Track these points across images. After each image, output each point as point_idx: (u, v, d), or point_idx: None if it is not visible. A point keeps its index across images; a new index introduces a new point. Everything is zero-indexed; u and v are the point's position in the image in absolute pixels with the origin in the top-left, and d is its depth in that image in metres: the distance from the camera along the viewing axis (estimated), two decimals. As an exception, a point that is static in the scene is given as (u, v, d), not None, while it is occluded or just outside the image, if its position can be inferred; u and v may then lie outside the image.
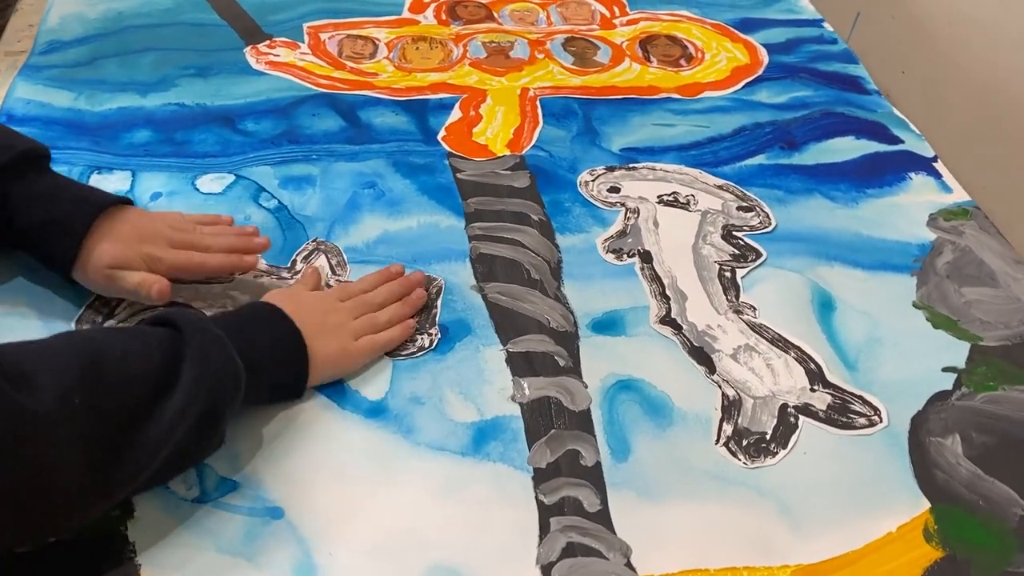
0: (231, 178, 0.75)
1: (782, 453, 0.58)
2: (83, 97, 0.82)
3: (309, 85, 0.87)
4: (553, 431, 0.58)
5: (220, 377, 0.51)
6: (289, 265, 0.68)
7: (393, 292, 0.65)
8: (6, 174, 0.61)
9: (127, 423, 0.46)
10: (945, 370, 0.64)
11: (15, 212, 0.61)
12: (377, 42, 0.94)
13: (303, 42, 0.93)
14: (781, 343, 0.65)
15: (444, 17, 1.00)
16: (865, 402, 0.62)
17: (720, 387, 0.62)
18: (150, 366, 0.48)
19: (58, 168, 0.72)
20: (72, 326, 0.61)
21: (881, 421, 0.61)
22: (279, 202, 0.74)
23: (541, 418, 0.59)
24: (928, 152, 0.86)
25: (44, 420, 0.43)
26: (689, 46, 0.99)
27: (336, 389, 0.60)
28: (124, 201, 0.64)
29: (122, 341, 0.49)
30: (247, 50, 0.91)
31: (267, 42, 0.92)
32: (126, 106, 0.82)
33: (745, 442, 0.59)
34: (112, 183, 0.73)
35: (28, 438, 0.42)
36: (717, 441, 0.59)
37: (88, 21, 0.92)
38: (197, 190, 0.74)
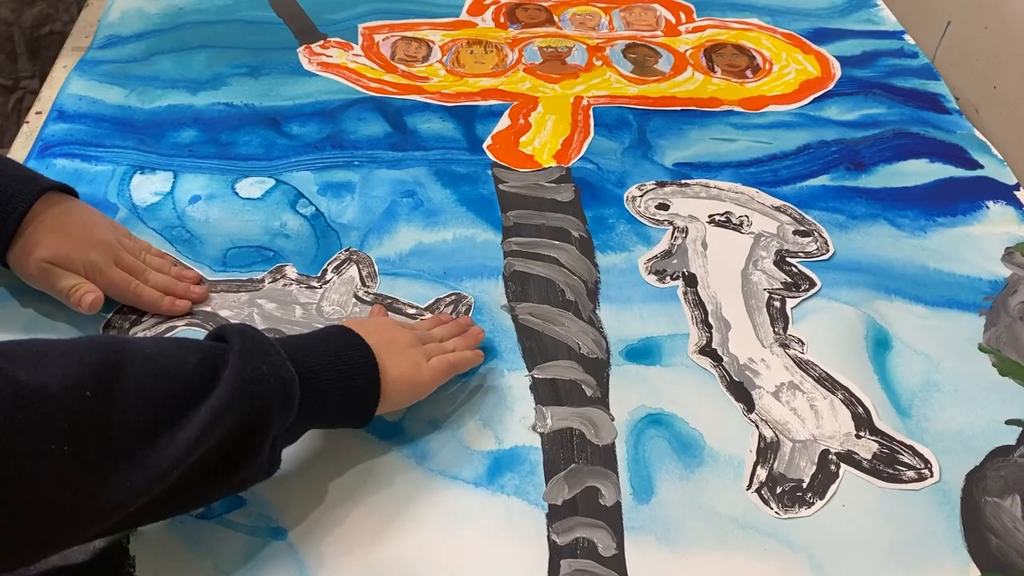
0: (271, 183, 0.74)
1: (819, 504, 0.54)
2: (135, 94, 0.82)
3: (359, 88, 0.86)
4: (573, 466, 0.55)
5: (265, 383, 0.46)
6: (319, 275, 0.67)
7: (450, 330, 0.61)
8: None
9: (149, 424, 0.42)
10: (1009, 423, 0.59)
11: None
12: (431, 44, 0.92)
13: (357, 43, 0.92)
14: (828, 382, 0.61)
15: (503, 20, 0.97)
16: (915, 453, 0.57)
17: (757, 427, 0.58)
18: (184, 368, 0.45)
19: (102, 168, 0.74)
20: (100, 331, 0.61)
21: (932, 476, 0.56)
22: (316, 209, 0.72)
23: (562, 451, 0.56)
24: (1010, 179, 0.80)
25: (42, 398, 0.39)
26: (757, 56, 0.94)
27: (354, 407, 0.58)
28: (69, 190, 0.62)
29: (157, 344, 0.46)
30: (300, 50, 0.90)
31: (321, 42, 0.91)
32: (176, 104, 0.82)
33: (779, 489, 0.55)
34: (153, 184, 0.73)
35: (21, 411, 0.38)
36: (749, 486, 0.55)
37: (148, 16, 0.93)
38: (236, 194, 0.73)
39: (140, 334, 0.61)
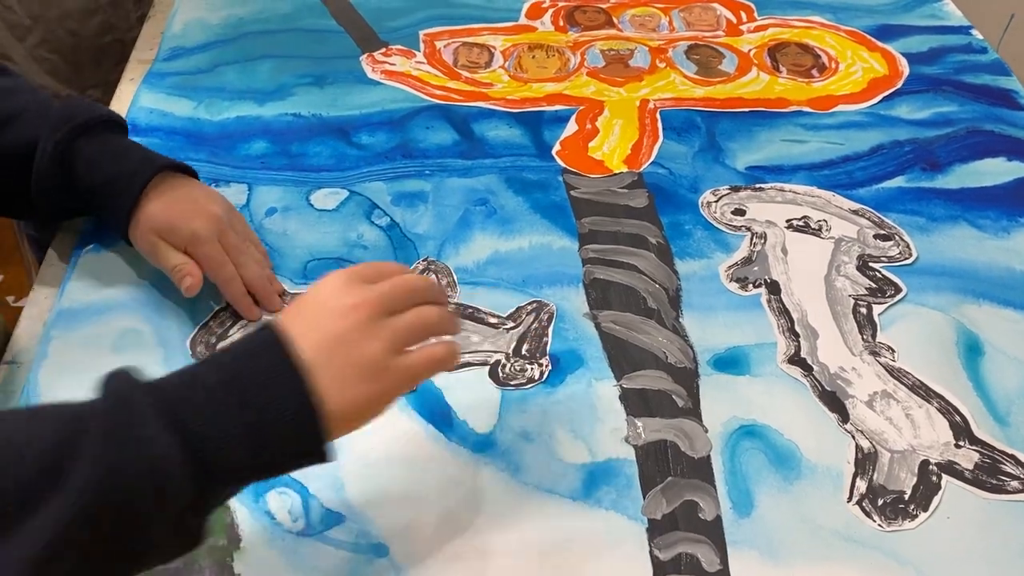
0: (345, 194, 0.74)
1: (923, 516, 0.53)
2: (203, 106, 0.83)
3: (424, 96, 0.85)
4: (670, 479, 0.55)
5: (127, 472, 0.38)
6: (399, 285, 0.67)
7: (417, 295, 0.49)
8: (83, 133, 0.62)
9: None
10: (1112, 430, 0.58)
11: (85, 170, 0.62)
12: (493, 50, 0.92)
13: (419, 50, 0.91)
14: (922, 391, 0.60)
15: (562, 23, 0.97)
16: (1018, 462, 0.56)
17: (854, 438, 0.57)
18: (21, 467, 0.37)
19: (178, 180, 0.74)
20: (187, 346, 0.61)
21: (1037, 486, 0.55)
22: (391, 219, 0.72)
23: (657, 464, 0.55)
24: (1091, 176, 0.78)
25: None
26: (822, 55, 0.93)
27: (443, 418, 0.58)
28: (188, 169, 0.65)
29: (13, 421, 0.40)
30: (363, 58, 0.90)
31: (383, 50, 0.91)
32: (244, 115, 0.82)
33: (881, 501, 0.54)
34: (229, 196, 0.72)
35: None
36: (849, 499, 0.54)
37: (210, 27, 0.94)
38: (311, 206, 0.73)
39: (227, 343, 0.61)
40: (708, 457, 0.56)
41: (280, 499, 0.53)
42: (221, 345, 0.62)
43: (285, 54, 0.90)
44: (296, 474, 0.53)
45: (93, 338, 0.62)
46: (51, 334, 0.62)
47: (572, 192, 0.76)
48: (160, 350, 0.61)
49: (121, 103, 0.83)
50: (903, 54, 0.93)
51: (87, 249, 0.68)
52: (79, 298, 0.64)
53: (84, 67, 0.96)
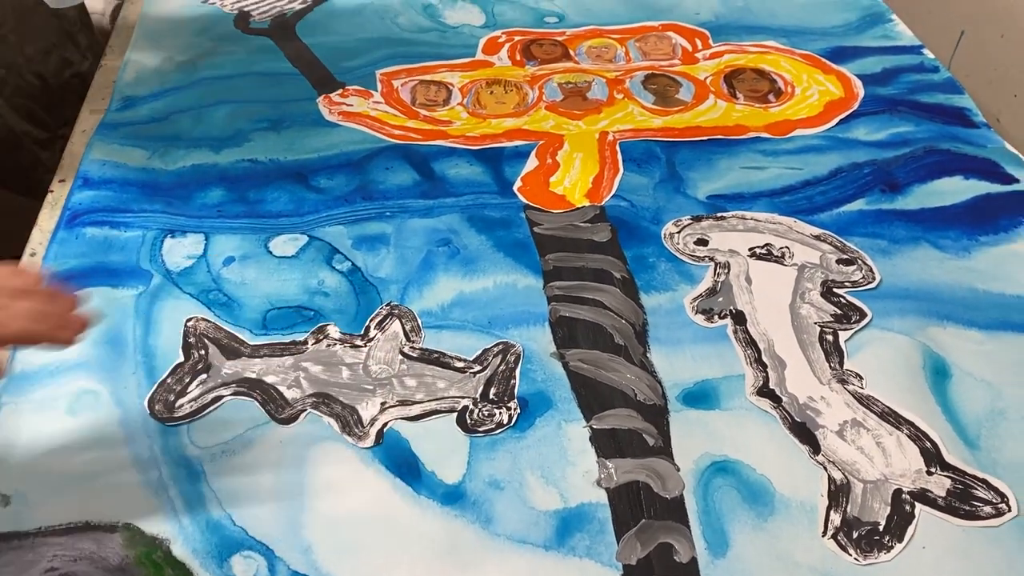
0: (304, 239, 0.73)
1: (898, 547, 0.53)
2: (157, 155, 0.81)
3: (383, 136, 0.85)
4: (643, 521, 0.54)
5: None
6: (363, 332, 0.66)
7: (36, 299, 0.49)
8: None
9: None
10: (1081, 449, 0.58)
11: None
12: (451, 87, 0.91)
13: (376, 89, 0.91)
14: (892, 417, 0.60)
15: (519, 57, 0.97)
16: (990, 487, 0.56)
17: (826, 469, 0.57)
18: None
19: (132, 234, 0.73)
20: (144, 406, 0.60)
21: (1009, 510, 0.55)
22: (352, 264, 0.71)
23: (630, 506, 0.55)
24: (1047, 192, 0.79)
25: None
26: (778, 80, 0.93)
27: (411, 470, 0.57)
28: None
29: None
30: (320, 100, 0.89)
31: (340, 91, 0.90)
32: (200, 163, 0.81)
33: (856, 534, 0.53)
34: (185, 247, 0.72)
35: None
36: (824, 533, 0.53)
37: (164, 74, 0.92)
38: (270, 253, 0.72)
39: (186, 405, 0.60)
40: (681, 497, 0.55)
41: (245, 563, 0.52)
42: (180, 402, 0.60)
43: (241, 99, 0.89)
44: (261, 537, 0.52)
45: (48, 402, 0.60)
46: (2, 400, 0.60)
47: (535, 228, 0.75)
48: (117, 411, 0.60)
49: (73, 156, 0.81)
50: (858, 75, 0.94)
51: (39, 309, 0.66)
52: (31, 360, 0.62)
53: (54, 107, 0.95)
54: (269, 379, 0.62)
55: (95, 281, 0.68)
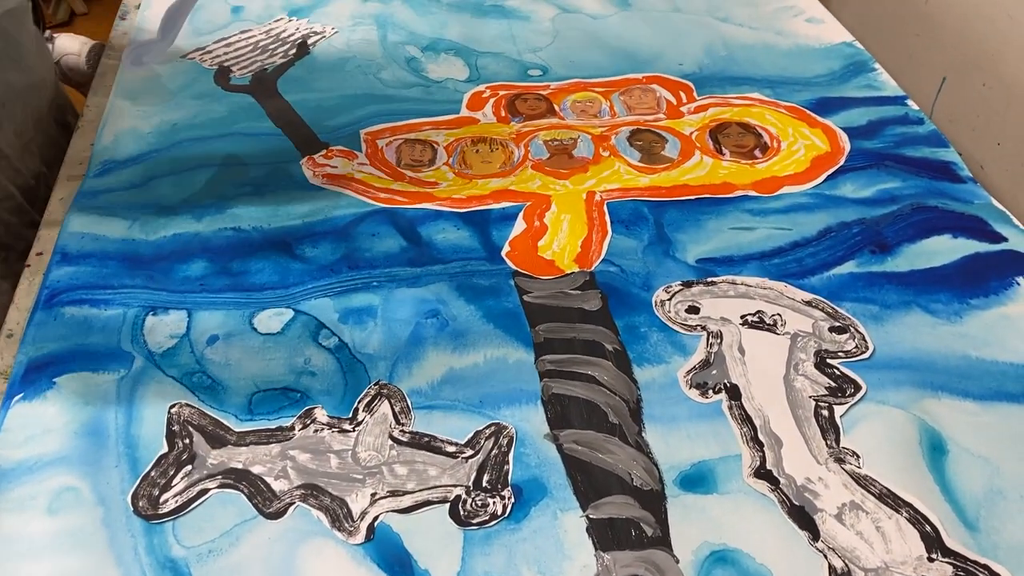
0: (290, 314, 0.72)
1: (902, 641, 0.52)
2: (138, 224, 0.80)
3: (368, 200, 0.84)
4: (643, 619, 0.53)
5: None
6: (351, 415, 0.64)
7: None
8: None
9: None
10: (1082, 531, 0.57)
11: None
12: (436, 146, 0.90)
13: (360, 150, 0.90)
14: (891, 499, 0.59)
15: (503, 113, 0.96)
16: (992, 573, 0.55)
17: (826, 557, 0.56)
18: None
19: (112, 312, 0.71)
20: (128, 502, 0.58)
21: (1013, 598, 0.54)
22: (339, 339, 0.70)
23: (629, 603, 0.54)
24: (1035, 251, 0.79)
25: None
26: (764, 134, 0.93)
27: (403, 568, 0.55)
28: None
29: None
30: (303, 162, 0.88)
31: (323, 152, 0.89)
32: (182, 232, 0.79)
33: (859, 627, 0.53)
34: (168, 326, 0.70)
35: None
36: (827, 627, 0.53)
37: (142, 136, 0.91)
38: (255, 330, 0.70)
39: (171, 500, 0.58)
40: (681, 591, 0.54)
41: (234, 675, 0.50)
42: (165, 497, 0.59)
43: (222, 162, 0.88)
44: (250, 646, 0.51)
45: (26, 501, 0.58)
46: (-20, 500, 0.58)
47: (525, 297, 0.74)
48: (99, 509, 0.58)
49: (50, 227, 0.79)
50: (843, 128, 0.94)
51: (16, 399, 0.64)
52: (8, 455, 0.60)
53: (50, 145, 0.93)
54: (256, 469, 0.60)
55: (75, 366, 0.66)
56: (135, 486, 0.59)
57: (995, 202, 0.84)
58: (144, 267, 0.75)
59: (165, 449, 0.61)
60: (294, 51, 1.05)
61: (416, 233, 0.80)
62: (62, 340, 0.68)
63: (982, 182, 0.87)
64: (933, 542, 0.57)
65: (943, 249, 0.79)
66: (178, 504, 0.58)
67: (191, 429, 0.63)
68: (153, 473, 0.60)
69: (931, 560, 0.56)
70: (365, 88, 0.99)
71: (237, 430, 0.63)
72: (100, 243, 0.77)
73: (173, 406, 0.64)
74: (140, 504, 0.58)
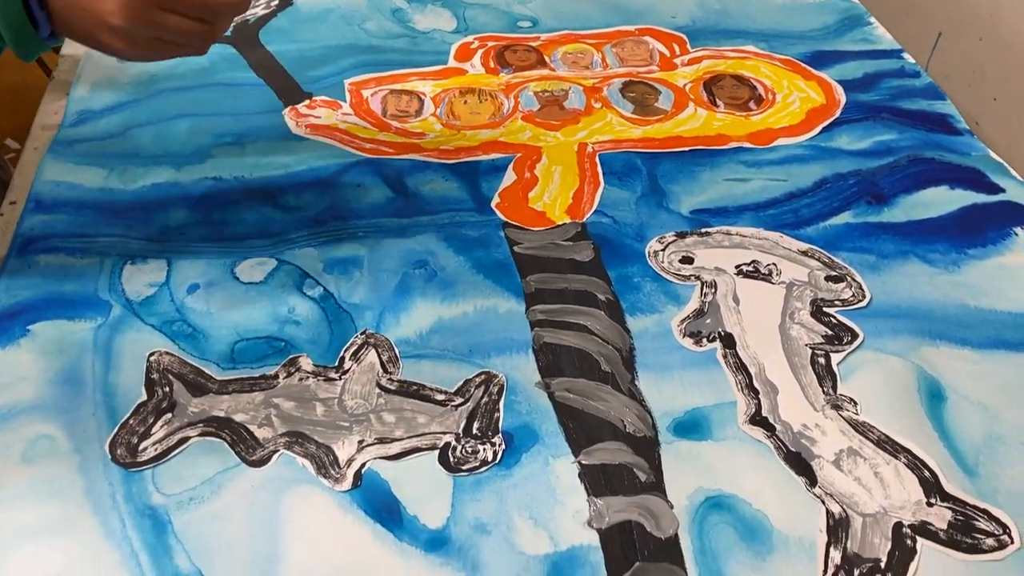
0: (273, 263, 0.70)
1: (901, 585, 0.51)
2: (115, 174, 0.77)
3: (353, 150, 0.81)
4: (638, 564, 0.51)
5: None
6: (337, 364, 0.62)
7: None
8: None
9: None
10: (1082, 475, 0.57)
11: None
12: (423, 97, 0.88)
13: (345, 100, 0.87)
14: (889, 445, 0.58)
15: (492, 64, 0.93)
16: (991, 517, 0.54)
17: (823, 502, 0.55)
18: None
19: (90, 260, 0.69)
20: (106, 450, 0.56)
21: (1013, 542, 0.53)
22: (324, 289, 0.68)
23: (623, 548, 0.52)
24: (1034, 202, 0.77)
25: None
26: (758, 86, 0.91)
27: (392, 515, 0.54)
28: None
29: None
30: (286, 112, 0.86)
31: (307, 102, 0.87)
32: (160, 182, 0.77)
33: (857, 572, 0.51)
34: (146, 274, 0.68)
35: None
36: (825, 572, 0.51)
37: (120, 86, 0.88)
38: (237, 279, 0.68)
39: (150, 448, 0.56)
40: (675, 536, 0.53)
41: (217, 623, 0.48)
42: (144, 445, 0.57)
43: (202, 112, 0.85)
44: (233, 593, 0.49)
45: (1, 449, 0.56)
46: (-49, 449, 0.56)
47: (515, 248, 0.72)
48: (76, 457, 0.56)
49: (24, 176, 0.77)
50: (838, 81, 0.92)
51: (-11, 347, 0.62)
52: (-18, 404, 0.58)
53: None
54: (238, 417, 0.59)
55: (50, 314, 0.64)
56: (113, 434, 0.57)
57: (992, 154, 0.83)
58: (122, 216, 0.73)
59: (144, 397, 0.59)
60: (276, 1, 1.02)
61: (403, 184, 0.78)
62: (36, 288, 0.66)
63: (978, 138, 0.86)
64: (932, 487, 0.56)
65: (940, 200, 0.78)
66: (158, 452, 0.56)
67: (171, 377, 0.61)
68: (132, 421, 0.58)
69: (930, 505, 0.55)
70: (349, 39, 0.96)
71: (219, 378, 0.61)
72: (76, 191, 0.75)
73: (152, 354, 0.62)
74: (118, 452, 0.56)
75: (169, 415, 0.58)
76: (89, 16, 0.54)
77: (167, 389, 0.60)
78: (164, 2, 0.54)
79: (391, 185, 0.78)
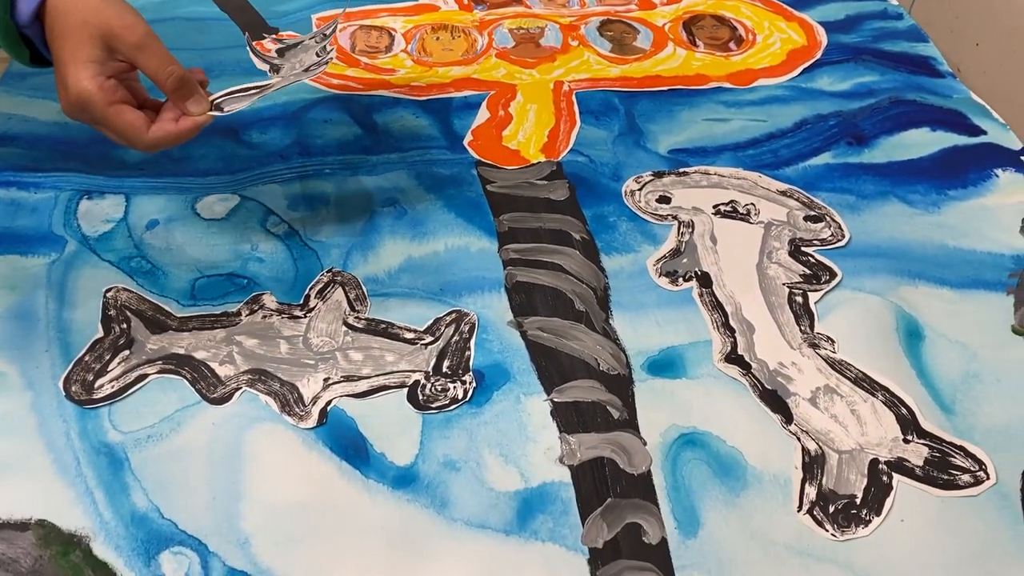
0: (236, 200, 0.67)
1: (876, 521, 0.50)
2: (71, 108, 0.74)
3: (320, 86, 0.78)
4: (609, 500, 0.50)
5: None
6: (302, 302, 0.60)
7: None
8: None
9: None
10: (1058, 412, 0.56)
11: None
12: (393, 33, 0.85)
13: (312, 36, 0.84)
14: (866, 383, 0.57)
15: (466, 1, 0.90)
16: (967, 454, 0.53)
17: (799, 439, 0.54)
18: None
19: (44, 195, 0.66)
20: (59, 387, 0.54)
21: (988, 478, 0.52)
22: (289, 226, 0.66)
23: (595, 484, 0.51)
24: (1015, 144, 0.76)
25: None
26: (739, 27, 0.89)
27: (358, 452, 0.52)
28: None
29: None
30: (249, 45, 0.82)
31: (272, 36, 0.83)
32: (119, 117, 0.74)
33: (832, 508, 0.51)
34: (103, 209, 0.65)
35: None
36: (800, 508, 0.51)
37: (77, 19, 0.84)
38: (198, 215, 0.66)
39: (106, 385, 0.54)
40: (648, 473, 0.52)
41: (175, 560, 0.47)
42: (100, 382, 0.55)
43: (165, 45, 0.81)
44: (193, 531, 0.48)
45: None
46: None
47: (488, 187, 0.70)
48: (29, 394, 0.54)
49: (-26, 108, 0.73)
50: (820, 23, 0.90)
51: (-64, 282, 0.59)
52: (-71, 340, 0.56)
53: None
54: (199, 355, 0.57)
55: (1, 249, 0.62)
56: (67, 371, 0.55)
57: (974, 96, 0.82)
58: (79, 150, 0.70)
59: (100, 334, 0.57)
60: (242, -65, 0.98)
61: (372, 120, 0.76)
62: (-13, 222, 0.63)
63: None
64: (909, 424, 0.55)
65: (921, 142, 0.76)
66: (114, 389, 0.54)
67: (128, 314, 0.58)
68: (87, 358, 0.56)
69: (907, 442, 0.54)
70: (318, -28, 0.93)
71: (179, 315, 0.59)
72: (29, 125, 0.72)
73: (109, 290, 0.60)
74: (73, 389, 0.54)
75: (127, 352, 0.56)
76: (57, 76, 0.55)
77: (124, 326, 0.58)
78: (93, 121, 0.55)
79: (359, 122, 0.75)
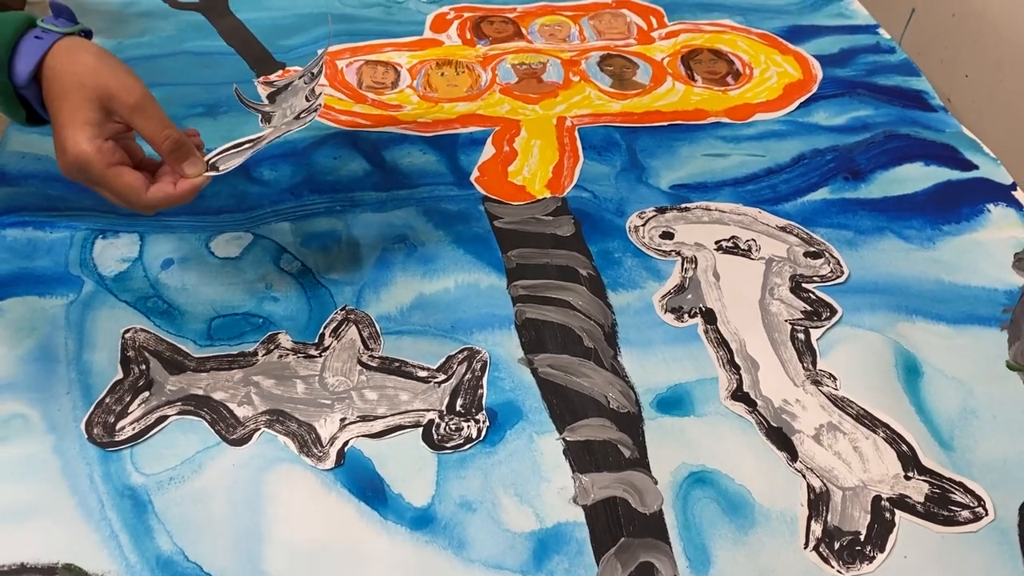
0: (249, 238, 0.68)
1: (880, 557, 0.52)
2: (83, 145, 0.75)
3: (328, 122, 0.80)
4: (623, 540, 0.52)
5: None
6: (317, 341, 0.62)
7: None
8: None
9: None
10: (1053, 448, 0.58)
11: None
12: (399, 68, 0.87)
13: (319, 71, 0.85)
14: (868, 420, 0.59)
15: (469, 36, 0.92)
16: (967, 490, 0.55)
17: (804, 476, 0.56)
18: None
19: (59, 234, 0.67)
20: (82, 430, 0.55)
21: (987, 514, 0.54)
22: (302, 264, 0.67)
23: (608, 524, 0.52)
24: (1005, 179, 0.78)
25: None
26: (736, 61, 0.91)
27: (376, 493, 0.53)
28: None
29: None
30: (257, 82, 0.84)
31: (279, 72, 0.85)
32: (130, 154, 0.75)
33: (837, 544, 0.52)
34: (119, 249, 0.66)
35: None
36: (806, 545, 0.52)
37: (86, 54, 0.85)
38: (212, 254, 0.67)
39: (128, 427, 0.55)
40: (660, 512, 0.53)
41: (201, 603, 0.48)
42: (121, 424, 0.56)
43: (172, 81, 0.83)
44: (217, 572, 0.49)
45: None
46: (-80, 429, 0.54)
47: (495, 223, 0.72)
48: (51, 436, 0.55)
49: (-12, 147, 0.74)
50: (815, 56, 0.92)
51: (-43, 324, 0.60)
52: (-49, 383, 0.57)
53: None
54: (217, 396, 0.58)
55: (19, 290, 0.63)
56: (89, 413, 0.56)
57: (966, 130, 0.84)
58: (91, 190, 0.71)
59: (120, 375, 0.58)
60: (246, -32, 0.99)
61: (380, 157, 0.77)
62: (5, 263, 0.64)
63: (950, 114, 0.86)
64: (910, 461, 0.56)
65: (915, 176, 0.79)
66: (135, 431, 0.55)
67: (147, 355, 0.60)
68: (108, 400, 0.57)
69: (908, 478, 0.56)
70: (322, 7, 0.94)
71: (196, 356, 0.60)
72: (43, 163, 0.73)
73: (127, 331, 0.61)
74: (95, 431, 0.55)
75: (147, 393, 0.57)
76: (55, 138, 0.56)
77: (143, 367, 0.59)
78: (92, 182, 0.56)
79: (368, 158, 0.77)
